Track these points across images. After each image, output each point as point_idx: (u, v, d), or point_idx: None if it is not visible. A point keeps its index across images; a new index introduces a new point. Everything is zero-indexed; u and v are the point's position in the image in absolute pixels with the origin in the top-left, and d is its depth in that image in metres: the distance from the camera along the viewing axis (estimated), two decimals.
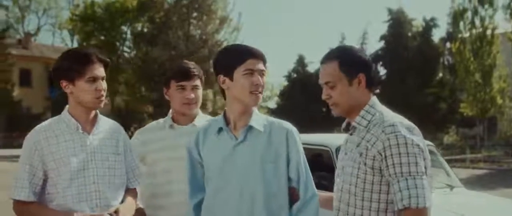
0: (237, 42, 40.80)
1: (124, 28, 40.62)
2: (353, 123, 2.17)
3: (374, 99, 2.19)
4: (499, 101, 33.09)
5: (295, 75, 43.21)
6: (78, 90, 2.47)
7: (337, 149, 5.00)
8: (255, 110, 2.40)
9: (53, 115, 2.77)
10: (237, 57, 2.29)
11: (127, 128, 34.55)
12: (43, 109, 43.44)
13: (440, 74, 41.09)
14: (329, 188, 5.09)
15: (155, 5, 34.65)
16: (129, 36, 40.29)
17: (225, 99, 2.38)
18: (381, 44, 38.75)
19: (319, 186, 5.01)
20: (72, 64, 2.46)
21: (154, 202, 2.95)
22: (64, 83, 2.51)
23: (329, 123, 21.10)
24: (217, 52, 2.43)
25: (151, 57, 33.88)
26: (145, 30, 37.33)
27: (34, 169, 2.45)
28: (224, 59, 2.34)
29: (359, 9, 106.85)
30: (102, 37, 40.00)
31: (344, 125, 2.28)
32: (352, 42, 47.53)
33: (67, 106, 2.62)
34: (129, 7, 39.05)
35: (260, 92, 2.29)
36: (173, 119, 3.04)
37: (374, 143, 2.02)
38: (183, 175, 2.67)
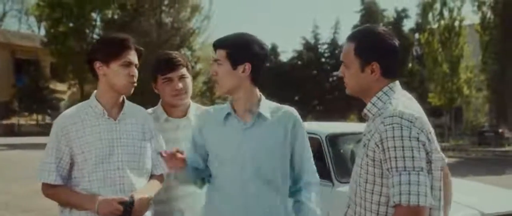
0: (208, 30, 40.92)
1: (94, 15, 39.93)
2: (365, 110, 2.06)
3: (392, 86, 2.03)
4: (466, 91, 33.75)
5: (267, 64, 43.21)
6: (112, 73, 2.52)
7: (327, 137, 5.08)
8: (263, 97, 2.45)
9: (20, 103, 2.79)
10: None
11: None
12: (9, 97, 42.56)
13: (410, 65, 41.70)
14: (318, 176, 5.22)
15: None
16: (99, 23, 39.64)
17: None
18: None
19: None
20: (109, 47, 2.53)
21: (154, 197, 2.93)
22: (98, 65, 2.55)
23: (303, 112, 21.14)
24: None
25: None
26: (116, 17, 36.82)
27: (61, 154, 2.51)
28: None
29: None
30: (71, 24, 39.26)
31: (363, 111, 2.14)
32: (324, 31, 47.47)
33: (94, 91, 2.65)
34: None
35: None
36: (165, 112, 2.98)
37: (373, 135, 1.92)
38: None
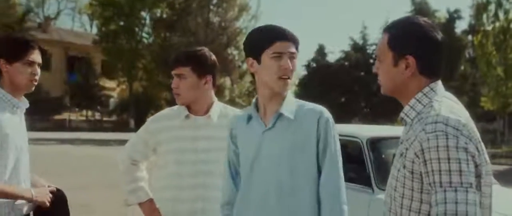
0: None
1: (144, 13, 40.60)
2: (401, 114, 1.79)
3: (434, 86, 1.73)
4: None
5: (314, 65, 42.95)
6: (15, 71, 2.53)
7: (368, 141, 4.86)
8: (289, 93, 2.24)
9: (71, 99, 2.77)
10: (265, 39, 2.13)
11: (144, 114, 34.85)
12: (61, 93, 43.73)
13: (462, 67, 40.54)
14: (357, 181, 5.00)
15: None
16: (148, 21, 40.28)
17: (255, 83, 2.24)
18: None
19: (348, 180, 4.89)
20: (13, 46, 2.55)
21: (165, 195, 2.80)
22: (1, 62, 2.53)
23: (349, 114, 20.84)
24: (248, 33, 2.27)
25: (170, 43, 33.83)
26: (165, 16, 37.27)
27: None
28: (252, 40, 2.19)
29: (360, 7, 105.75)
30: (121, 23, 40.01)
31: (400, 115, 1.87)
32: (373, 32, 46.85)
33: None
34: None
35: (288, 77, 2.14)
36: (188, 109, 2.86)
37: (412, 143, 1.63)
38: (195, 169, 2.67)
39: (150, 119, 2.93)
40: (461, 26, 69.10)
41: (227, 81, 36.72)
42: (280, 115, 2.18)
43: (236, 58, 36.83)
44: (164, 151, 2.80)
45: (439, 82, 1.77)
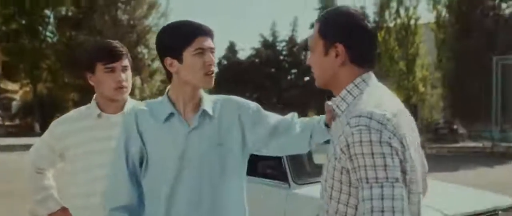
0: None
1: (47, 11, 38.89)
2: (333, 105, 1.75)
3: (366, 77, 1.70)
4: (421, 89, 34.34)
5: (225, 62, 43.04)
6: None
7: None
8: (202, 92, 2.19)
9: None
10: (185, 36, 2.05)
11: (50, 116, 33.46)
12: None
13: None
14: (274, 177, 5.03)
15: None
16: (52, 20, 38.65)
17: (170, 82, 2.15)
18: (312, 31, 39.27)
19: (265, 175, 4.90)
20: None
21: (76, 203, 2.62)
22: None
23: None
24: (159, 32, 2.15)
25: (75, 42, 32.73)
26: (70, 14, 35.96)
27: None
28: (169, 39, 2.09)
29: None
30: (23, 21, 38.13)
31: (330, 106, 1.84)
32: (283, 29, 47.70)
33: None
34: None
35: (213, 72, 2.10)
36: (99, 107, 2.70)
37: (339, 137, 1.60)
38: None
39: (54, 123, 2.72)
40: None
41: (137, 80, 35.97)
42: (203, 113, 2.13)
43: (146, 56, 36.19)
44: (72, 155, 2.61)
45: (372, 73, 1.74)
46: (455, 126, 27.09)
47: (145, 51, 36.09)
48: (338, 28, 1.71)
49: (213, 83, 2.10)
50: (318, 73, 1.77)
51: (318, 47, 1.73)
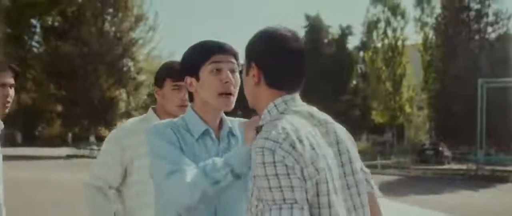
0: (153, 42, 40.08)
1: (34, 21, 38.62)
2: (257, 127, 1.71)
3: (287, 98, 1.64)
4: (408, 109, 34.48)
5: None
6: None
7: None
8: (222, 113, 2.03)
9: None
10: (202, 53, 1.93)
11: (33, 127, 32.89)
12: None
13: (354, 82, 42.24)
14: None
15: None
16: (38, 30, 38.36)
17: (191, 101, 2.00)
18: None
19: None
20: None
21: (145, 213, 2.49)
22: None
23: None
24: (184, 52, 2.02)
25: (61, 53, 32.46)
26: (56, 24, 35.72)
27: None
28: (188, 56, 1.97)
29: (279, 13, 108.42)
30: (9, 30, 37.80)
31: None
32: None
33: None
34: (39, 0, 37.21)
35: (231, 93, 1.91)
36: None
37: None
38: None
39: (118, 134, 2.65)
40: (353, 42, 72.49)
41: (122, 93, 35.71)
42: (229, 131, 2.00)
43: (132, 69, 35.96)
44: (137, 166, 2.57)
45: (296, 96, 1.67)
46: (440, 148, 27.09)
47: (130, 63, 35.87)
48: (254, 48, 1.67)
49: (231, 105, 1.94)
50: (246, 94, 1.74)
51: (245, 68, 1.72)
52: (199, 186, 1.69)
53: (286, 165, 1.44)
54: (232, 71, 1.92)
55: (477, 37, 30.10)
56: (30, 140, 43.62)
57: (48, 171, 19.21)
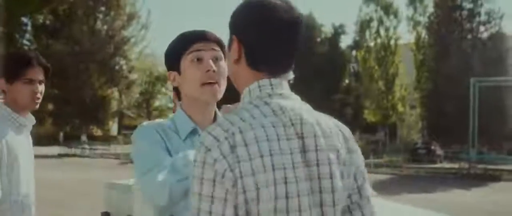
0: (145, 40, 39.85)
1: (25, 19, 38.38)
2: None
3: (264, 83, 1.30)
4: (400, 108, 34.50)
5: None
6: (15, 90, 2.49)
7: None
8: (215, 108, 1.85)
9: None
10: (182, 43, 1.77)
11: None
12: None
13: (347, 81, 42.24)
14: None
15: None
16: (29, 28, 38.11)
17: (179, 99, 1.84)
18: None
19: None
20: (10, 65, 2.51)
21: None
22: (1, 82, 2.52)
23: None
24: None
25: (52, 52, 32.25)
26: (47, 22, 35.50)
27: None
28: (169, 49, 1.82)
29: None
30: (0, 28, 37.53)
31: None
32: None
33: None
34: None
35: (215, 82, 1.73)
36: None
37: None
38: None
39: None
40: (346, 41, 72.51)
41: (114, 92, 35.53)
42: None
43: (124, 68, 35.80)
44: None
45: (281, 83, 1.32)
46: (433, 147, 27.11)
47: (122, 62, 35.71)
48: (236, 18, 1.36)
49: (217, 94, 1.75)
50: (228, 73, 1.48)
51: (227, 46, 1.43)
52: (168, 184, 1.54)
53: (215, 170, 1.18)
54: (215, 59, 1.75)
55: (469, 36, 30.16)
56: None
57: (39, 170, 18.97)
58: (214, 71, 1.72)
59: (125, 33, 34.43)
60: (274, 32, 1.30)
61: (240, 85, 1.35)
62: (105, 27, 33.88)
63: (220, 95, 1.76)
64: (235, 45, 1.32)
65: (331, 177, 1.26)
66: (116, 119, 41.74)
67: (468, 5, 30.30)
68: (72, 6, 33.08)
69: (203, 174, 1.19)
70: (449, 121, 28.34)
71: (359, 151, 1.41)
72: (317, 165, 1.25)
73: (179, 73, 1.77)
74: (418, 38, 34.62)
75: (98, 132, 39.06)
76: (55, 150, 31.03)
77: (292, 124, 1.25)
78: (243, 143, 1.19)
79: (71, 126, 36.50)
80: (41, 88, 2.50)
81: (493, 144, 27.09)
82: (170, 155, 1.67)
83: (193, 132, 1.76)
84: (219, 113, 1.83)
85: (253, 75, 1.31)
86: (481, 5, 29.97)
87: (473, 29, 30.08)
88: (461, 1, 30.34)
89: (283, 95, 1.30)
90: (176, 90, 1.84)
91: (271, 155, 1.19)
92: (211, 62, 1.73)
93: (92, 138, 33.67)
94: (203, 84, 1.72)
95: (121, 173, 13.61)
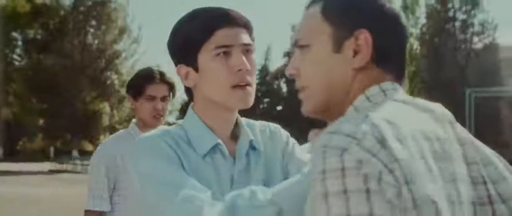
0: (137, 54, 39.69)
1: (15, 34, 38.10)
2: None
3: (389, 86, 0.98)
4: None
5: None
6: (139, 107, 2.54)
7: None
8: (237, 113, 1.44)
9: None
10: (200, 29, 1.32)
11: (15, 142, 32.36)
12: None
13: None
14: None
15: (49, 10, 32.83)
16: (20, 43, 37.85)
17: (191, 100, 1.43)
18: (285, 60, 39.22)
19: None
20: (134, 82, 2.58)
21: None
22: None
23: None
24: (173, 28, 1.41)
25: (43, 66, 31.98)
26: (38, 37, 35.29)
27: None
28: (180, 36, 1.36)
29: (264, 24, 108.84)
30: None
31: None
32: (256, 57, 48.70)
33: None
34: (21, 12, 36.74)
35: (248, 84, 1.33)
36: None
37: None
38: None
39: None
40: None
41: (106, 106, 35.22)
42: (252, 147, 1.40)
43: (115, 82, 35.56)
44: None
45: (399, 87, 1.02)
46: None
47: (114, 76, 35.48)
48: (361, 7, 1.00)
49: (250, 100, 1.35)
50: (315, 86, 1.02)
51: (320, 40, 1.01)
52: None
53: (365, 175, 0.77)
54: (246, 52, 1.34)
55: (463, 47, 30.15)
56: (12, 155, 42.88)
57: (29, 186, 18.69)
58: (247, 70, 1.32)
59: (117, 47, 34.24)
60: (403, 26, 1.04)
61: (351, 92, 0.99)
62: (96, 41, 33.70)
63: (252, 101, 1.35)
64: (363, 40, 0.97)
65: (504, 202, 0.91)
66: (108, 134, 41.39)
67: (461, 16, 30.32)
68: (62, 20, 32.89)
69: (346, 184, 0.76)
70: None
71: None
72: (484, 183, 0.92)
73: (196, 70, 1.35)
74: (410, 49, 34.65)
75: (89, 147, 38.68)
76: (45, 166, 30.66)
77: (450, 122, 0.98)
78: (397, 139, 0.81)
79: (62, 141, 36.11)
80: (163, 105, 2.48)
81: None
82: (190, 176, 1.25)
83: (215, 148, 1.35)
84: (242, 123, 1.42)
85: (379, 75, 0.99)
86: (474, 15, 30.00)
87: (467, 40, 30.08)
88: (454, 12, 30.35)
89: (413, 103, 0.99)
90: (189, 91, 1.42)
91: (434, 158, 0.84)
92: (243, 58, 1.32)
93: (83, 153, 33.27)
94: (234, 86, 1.32)
95: None
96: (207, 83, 1.34)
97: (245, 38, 1.34)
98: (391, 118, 0.85)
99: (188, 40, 1.34)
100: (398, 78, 1.02)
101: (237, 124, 1.41)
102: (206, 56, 1.33)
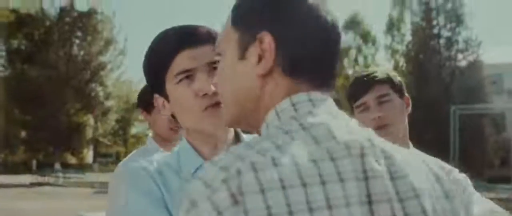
0: (123, 66, 39.45)
1: None
2: None
3: (317, 97, 0.87)
4: None
5: None
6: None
7: None
8: (240, 133, 1.33)
9: None
10: (162, 56, 1.25)
11: None
12: None
13: None
14: None
15: (34, 21, 32.57)
16: (3, 53, 37.49)
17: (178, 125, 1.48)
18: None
19: None
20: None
21: None
22: None
23: None
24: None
25: (27, 77, 31.64)
26: (22, 47, 34.99)
27: None
28: (147, 64, 1.31)
29: None
30: None
31: None
32: None
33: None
34: (5, 22, 36.44)
35: (215, 103, 1.21)
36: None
37: None
38: None
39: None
40: None
41: (90, 119, 34.91)
42: None
43: (100, 94, 35.29)
44: None
45: (328, 100, 0.90)
46: None
47: (99, 88, 35.21)
48: (262, 10, 0.89)
49: (221, 117, 1.12)
50: (227, 97, 0.94)
51: (229, 47, 0.92)
52: None
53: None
54: (213, 69, 1.21)
55: (447, 64, 30.40)
56: None
57: (11, 200, 18.34)
58: (214, 93, 1.18)
59: (102, 58, 34.03)
60: (322, 30, 0.90)
61: (263, 103, 0.88)
62: (82, 52, 33.48)
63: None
64: (266, 47, 0.86)
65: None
66: (92, 147, 40.97)
67: (446, 33, 30.61)
68: (48, 31, 32.63)
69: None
70: (429, 149, 28.12)
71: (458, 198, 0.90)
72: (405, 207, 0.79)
73: (167, 99, 1.28)
74: (396, 66, 34.85)
75: (72, 159, 38.20)
76: (27, 178, 30.15)
77: (350, 155, 0.78)
78: (257, 188, 0.72)
79: (45, 153, 35.64)
80: None
81: (473, 172, 27.08)
82: (166, 205, 1.18)
83: (200, 169, 1.23)
84: (244, 137, 1.32)
85: (290, 85, 0.87)
86: (459, 33, 30.30)
87: (451, 57, 30.35)
88: (439, 29, 30.64)
89: (331, 115, 0.85)
90: (173, 117, 1.33)
91: (311, 210, 0.72)
92: (207, 80, 1.21)
93: (66, 166, 32.84)
94: (205, 108, 1.23)
95: (96, 203, 13.07)
96: (178, 112, 1.27)
97: (210, 56, 1.22)
98: (260, 162, 0.74)
99: (153, 70, 1.29)
100: (321, 87, 0.89)
101: (239, 141, 1.31)
102: (170, 84, 1.25)
